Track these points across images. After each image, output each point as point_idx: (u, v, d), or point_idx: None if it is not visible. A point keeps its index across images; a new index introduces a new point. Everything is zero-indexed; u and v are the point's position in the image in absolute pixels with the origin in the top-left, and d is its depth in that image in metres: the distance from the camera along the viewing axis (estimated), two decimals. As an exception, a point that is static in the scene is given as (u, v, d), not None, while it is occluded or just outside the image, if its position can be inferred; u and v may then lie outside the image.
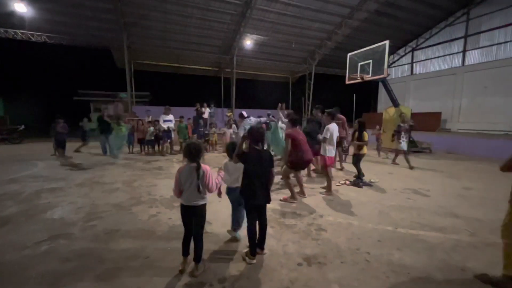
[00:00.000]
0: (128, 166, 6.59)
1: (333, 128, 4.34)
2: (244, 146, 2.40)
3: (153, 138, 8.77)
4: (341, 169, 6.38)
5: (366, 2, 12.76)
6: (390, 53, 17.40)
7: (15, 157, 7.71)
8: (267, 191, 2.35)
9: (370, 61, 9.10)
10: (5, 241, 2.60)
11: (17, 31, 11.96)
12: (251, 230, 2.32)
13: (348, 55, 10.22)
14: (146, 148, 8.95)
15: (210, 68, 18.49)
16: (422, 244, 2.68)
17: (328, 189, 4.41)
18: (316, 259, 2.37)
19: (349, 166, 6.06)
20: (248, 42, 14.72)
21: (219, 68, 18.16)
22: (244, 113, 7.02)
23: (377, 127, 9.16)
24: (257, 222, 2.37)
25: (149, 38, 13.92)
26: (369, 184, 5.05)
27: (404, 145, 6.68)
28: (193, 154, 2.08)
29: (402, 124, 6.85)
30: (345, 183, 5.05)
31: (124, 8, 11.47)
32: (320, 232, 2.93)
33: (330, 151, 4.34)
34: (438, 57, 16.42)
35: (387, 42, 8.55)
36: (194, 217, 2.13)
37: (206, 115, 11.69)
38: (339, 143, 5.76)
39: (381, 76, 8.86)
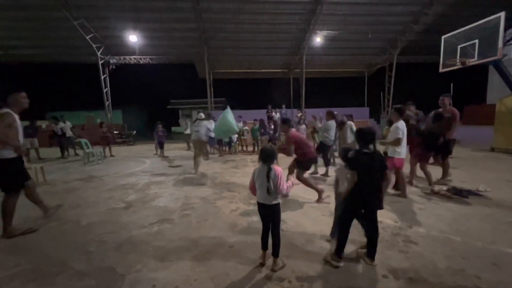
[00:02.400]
0: (210, 165, 7.46)
1: (403, 126, 3.89)
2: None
3: (228, 140, 9.64)
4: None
5: (469, -31, 10.39)
6: (507, 28, 13.56)
7: (131, 155, 9.87)
8: (378, 196, 2.22)
9: (476, 41, 7.36)
10: (131, 220, 3.40)
11: (131, 57, 15.29)
12: (344, 233, 2.26)
13: (443, 37, 8.54)
14: (224, 149, 9.92)
15: (279, 70, 18.85)
16: None
17: (402, 193, 4.05)
18: (406, 273, 2.12)
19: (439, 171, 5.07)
20: (318, 39, 14.27)
21: (288, 69, 18.31)
22: (202, 115, 7.05)
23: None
24: (366, 229, 2.31)
25: (225, 48, 15.33)
26: (476, 194, 4.10)
27: None
28: (265, 157, 2.21)
29: None
30: (441, 191, 4.26)
31: (205, 25, 13.04)
32: (408, 245, 2.59)
33: (400, 152, 3.86)
34: None
35: (502, 14, 6.74)
36: (268, 215, 2.26)
37: (276, 118, 11.95)
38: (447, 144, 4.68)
39: (493, 58, 7.03)
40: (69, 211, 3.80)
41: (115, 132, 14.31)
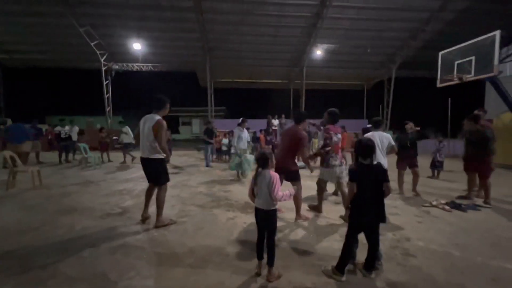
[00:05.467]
0: (208, 172, 7.43)
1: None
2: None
3: (227, 148, 9.67)
4: None
5: (464, -11, 10.77)
6: (503, 46, 13.91)
7: (129, 161, 9.79)
8: (378, 208, 2.16)
9: (473, 57, 7.52)
10: (126, 226, 3.35)
11: (134, 64, 15.52)
12: (348, 246, 2.21)
13: (440, 53, 8.73)
14: (223, 157, 9.92)
15: (280, 81, 19.12)
16: None
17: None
18: (404, 286, 2.08)
19: (442, 183, 5.08)
20: (319, 52, 14.57)
21: (288, 80, 18.58)
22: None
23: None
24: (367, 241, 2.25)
25: (227, 58, 15.61)
26: (475, 208, 4.09)
27: None
28: (259, 161, 2.26)
29: None
30: (440, 205, 4.24)
31: (208, 35, 13.33)
32: (407, 258, 2.56)
33: None
34: None
35: (497, 32, 6.91)
36: (264, 220, 2.24)
37: (275, 127, 12.11)
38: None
39: (489, 74, 7.17)
40: (64, 215, 3.75)
41: (114, 138, 14.27)
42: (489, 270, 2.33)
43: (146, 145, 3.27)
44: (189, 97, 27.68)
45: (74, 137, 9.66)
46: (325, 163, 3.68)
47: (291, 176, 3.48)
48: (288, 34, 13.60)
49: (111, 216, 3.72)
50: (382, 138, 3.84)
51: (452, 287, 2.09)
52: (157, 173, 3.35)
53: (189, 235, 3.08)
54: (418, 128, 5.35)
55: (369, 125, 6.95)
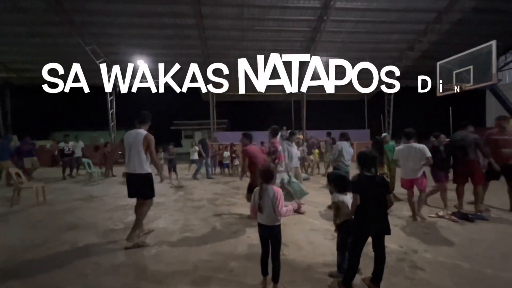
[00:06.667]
0: (211, 186, 7.41)
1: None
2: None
3: (228, 161, 9.71)
4: None
5: (458, 1, 11.05)
6: (500, 54, 14.10)
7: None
8: (383, 220, 2.15)
9: (470, 67, 7.64)
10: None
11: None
12: (354, 260, 2.17)
13: (438, 63, 8.90)
14: (224, 170, 9.91)
15: (281, 93, 19.35)
16: None
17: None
18: (413, 302, 2.02)
19: (448, 193, 5.01)
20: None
21: (289, 92, 18.80)
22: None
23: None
24: (374, 255, 2.20)
25: (229, 72, 15.94)
26: (482, 218, 4.01)
27: None
28: (263, 177, 2.22)
29: None
30: (446, 215, 4.16)
31: (209, 51, 13.71)
32: (415, 271, 2.50)
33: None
34: None
35: (493, 42, 7.05)
36: (268, 237, 2.22)
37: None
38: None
39: (489, 83, 7.24)
40: (67, 232, 3.74)
41: (119, 152, 14.36)
42: (501, 283, 2.27)
43: (134, 160, 3.22)
44: (192, 110, 28.01)
45: (78, 152, 9.72)
46: None
47: None
48: (287, 48, 13.92)
49: (114, 232, 3.71)
50: (411, 150, 3.89)
51: (463, 301, 2.03)
52: (145, 187, 3.32)
53: (192, 250, 3.05)
54: (448, 140, 5.27)
55: (384, 134, 7.07)
